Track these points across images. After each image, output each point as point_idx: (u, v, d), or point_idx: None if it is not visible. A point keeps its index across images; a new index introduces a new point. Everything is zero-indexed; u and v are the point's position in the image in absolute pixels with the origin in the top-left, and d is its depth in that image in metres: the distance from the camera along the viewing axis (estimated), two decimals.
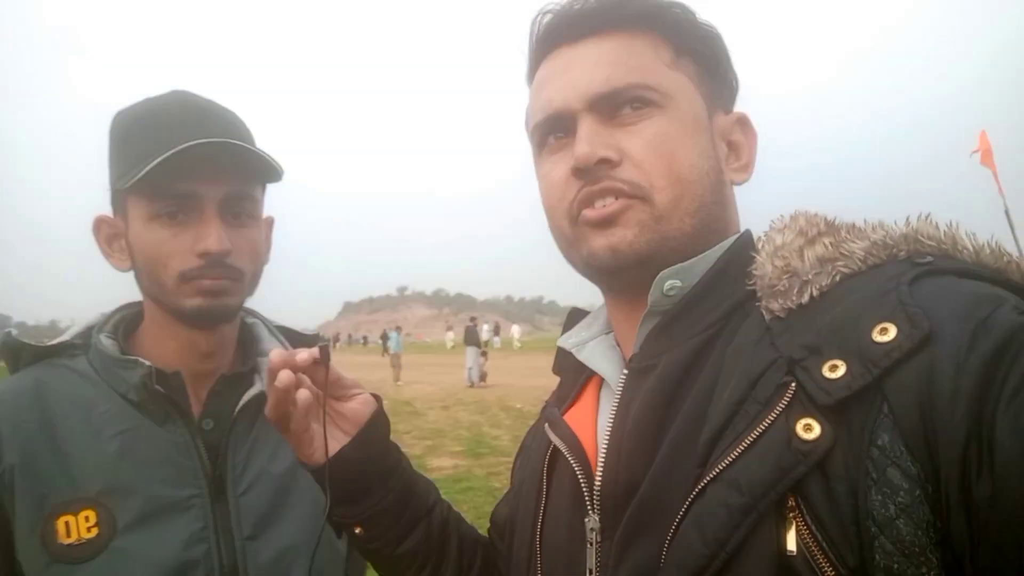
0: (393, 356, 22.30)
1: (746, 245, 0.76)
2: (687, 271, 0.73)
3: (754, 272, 0.70)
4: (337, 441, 0.88)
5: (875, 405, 0.54)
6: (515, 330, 52.17)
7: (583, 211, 0.74)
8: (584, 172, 0.73)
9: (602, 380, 0.81)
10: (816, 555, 0.54)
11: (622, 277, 0.75)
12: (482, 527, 1.05)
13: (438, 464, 8.07)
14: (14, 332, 1.15)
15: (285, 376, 0.80)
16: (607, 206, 0.72)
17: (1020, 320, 0.53)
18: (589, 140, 0.72)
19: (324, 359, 0.84)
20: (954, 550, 0.51)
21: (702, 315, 0.72)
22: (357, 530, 0.89)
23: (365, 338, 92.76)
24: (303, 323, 1.29)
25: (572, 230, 0.76)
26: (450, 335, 58.93)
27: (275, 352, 0.83)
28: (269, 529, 1.06)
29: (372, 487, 0.89)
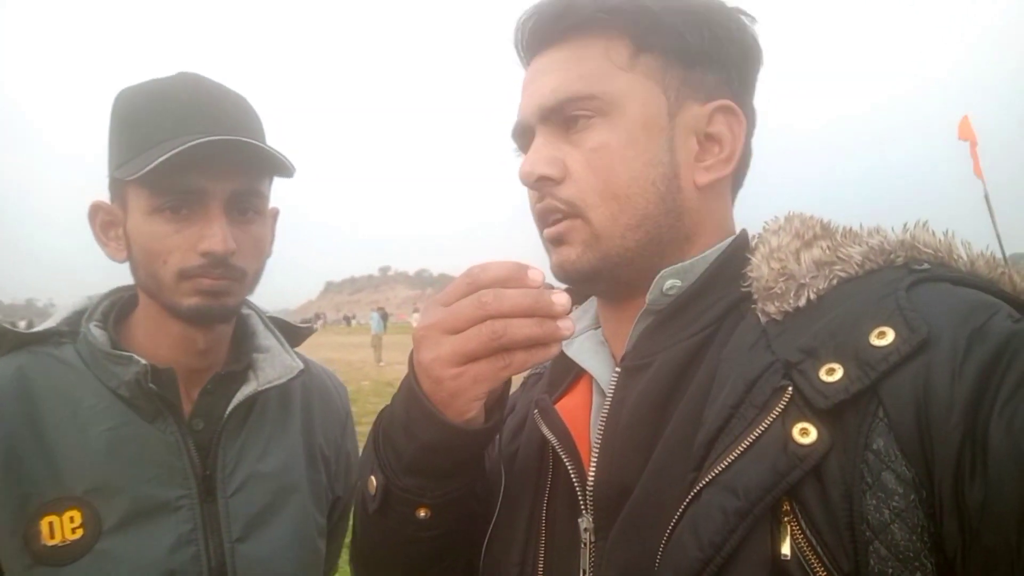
0: (374, 337, 22.32)
1: (741, 246, 0.75)
2: (687, 271, 0.72)
3: (749, 274, 0.69)
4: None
5: (871, 409, 0.55)
6: None
7: (541, 227, 0.76)
8: (532, 188, 0.74)
9: None
10: (811, 559, 0.54)
11: (580, 290, 0.76)
12: None
13: None
14: None
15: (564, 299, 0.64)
16: (554, 225, 0.74)
17: (1015, 328, 0.54)
18: (530, 159, 0.73)
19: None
20: (946, 553, 0.52)
21: (697, 315, 0.71)
22: (422, 512, 0.72)
23: (347, 318, 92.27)
24: (285, 303, 1.25)
25: (542, 239, 0.78)
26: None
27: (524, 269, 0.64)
28: (258, 531, 1.03)
29: (466, 465, 0.74)
